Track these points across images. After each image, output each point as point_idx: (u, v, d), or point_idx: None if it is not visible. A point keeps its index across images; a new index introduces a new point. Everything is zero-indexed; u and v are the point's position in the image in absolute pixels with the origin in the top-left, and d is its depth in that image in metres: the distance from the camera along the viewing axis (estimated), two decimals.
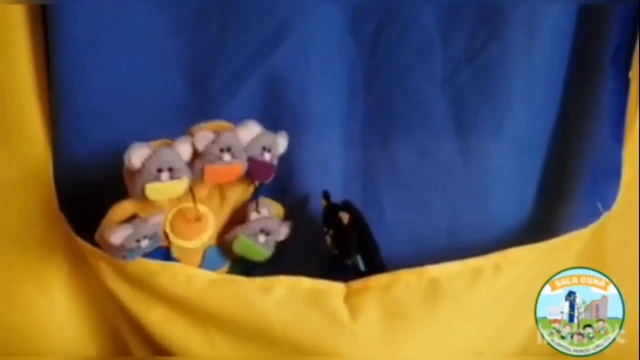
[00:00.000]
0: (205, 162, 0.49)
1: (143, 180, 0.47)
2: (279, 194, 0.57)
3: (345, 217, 0.51)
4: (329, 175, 0.59)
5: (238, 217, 0.55)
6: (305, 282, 0.50)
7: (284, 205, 0.57)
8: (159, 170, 0.47)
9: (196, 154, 0.49)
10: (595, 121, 0.56)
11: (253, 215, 0.53)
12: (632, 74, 0.54)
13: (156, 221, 0.48)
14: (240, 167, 0.50)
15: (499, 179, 0.58)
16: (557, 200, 0.58)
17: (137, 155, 0.46)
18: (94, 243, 0.50)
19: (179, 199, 0.52)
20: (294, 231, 0.56)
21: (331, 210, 0.53)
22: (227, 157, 0.49)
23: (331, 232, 0.53)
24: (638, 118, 0.54)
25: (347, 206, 0.52)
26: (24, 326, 0.57)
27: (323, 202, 0.54)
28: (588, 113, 0.57)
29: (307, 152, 0.58)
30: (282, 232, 0.55)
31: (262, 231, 0.53)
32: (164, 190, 0.47)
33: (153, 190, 0.47)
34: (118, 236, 0.46)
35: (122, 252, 0.47)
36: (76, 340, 0.58)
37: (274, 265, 0.55)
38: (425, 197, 0.58)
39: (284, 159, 0.58)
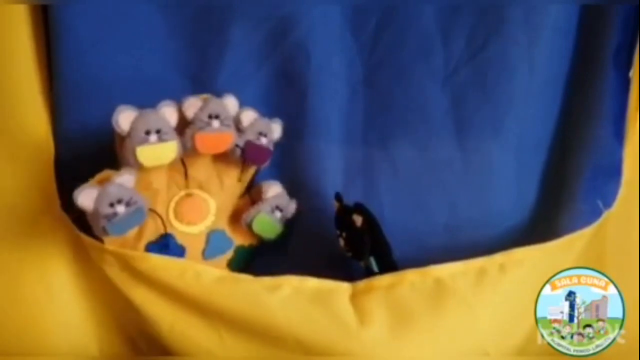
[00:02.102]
0: (195, 130, 0.49)
1: (132, 143, 0.47)
2: None
3: (358, 219, 0.51)
4: (330, 173, 0.59)
5: (242, 203, 0.56)
6: (311, 282, 0.50)
7: None
8: (147, 133, 0.47)
9: (185, 124, 0.50)
10: (595, 120, 0.56)
11: (269, 192, 0.55)
12: (633, 73, 0.54)
13: (124, 180, 0.47)
14: (230, 136, 0.51)
15: (498, 177, 0.58)
16: (558, 199, 0.58)
17: (124, 118, 0.47)
18: (99, 239, 0.51)
19: (178, 185, 0.53)
20: (296, 229, 0.57)
21: (344, 212, 0.53)
22: (216, 123, 0.50)
23: (344, 234, 0.53)
24: (638, 117, 0.55)
25: (360, 208, 0.52)
26: (28, 324, 0.56)
27: (335, 204, 0.54)
28: (589, 112, 0.57)
29: (307, 150, 0.59)
30: (291, 208, 0.57)
31: (277, 207, 0.55)
32: (155, 153, 0.48)
33: (144, 152, 0.47)
34: (84, 197, 0.46)
35: (100, 221, 0.46)
36: (81, 338, 0.58)
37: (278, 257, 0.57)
38: (425, 194, 0.59)
39: (284, 156, 0.58)
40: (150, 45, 0.57)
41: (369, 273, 0.52)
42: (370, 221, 0.51)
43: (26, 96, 0.56)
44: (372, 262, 0.52)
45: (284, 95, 0.58)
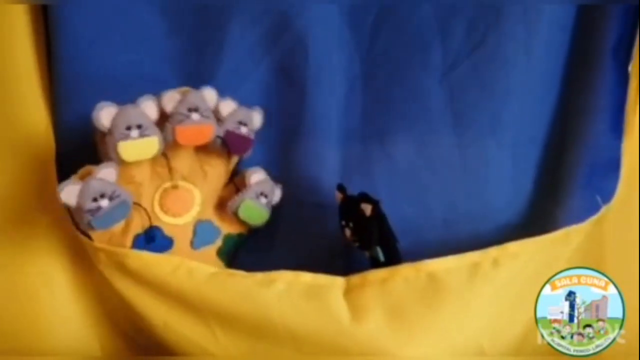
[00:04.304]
0: (174, 123, 0.49)
1: (114, 139, 0.47)
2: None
3: (367, 208, 0.51)
4: (328, 168, 0.59)
5: (226, 191, 0.57)
6: (305, 277, 0.50)
7: (283, 197, 0.58)
8: (128, 128, 0.47)
9: (165, 117, 0.50)
10: (594, 114, 0.56)
11: (253, 179, 0.55)
12: (632, 68, 0.54)
13: (105, 174, 0.47)
14: (210, 127, 0.51)
15: (496, 172, 0.58)
16: (555, 193, 0.58)
17: (104, 114, 0.47)
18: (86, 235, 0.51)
19: (161, 177, 0.53)
20: (292, 224, 0.57)
21: (350, 202, 0.53)
22: (195, 116, 0.50)
23: (351, 224, 0.53)
24: (637, 111, 0.54)
25: (367, 198, 0.52)
26: (27, 319, 0.57)
27: (338, 196, 0.54)
28: (587, 106, 0.56)
29: (306, 145, 0.58)
30: (276, 194, 0.57)
31: (262, 194, 0.55)
32: (137, 148, 0.48)
33: (126, 148, 0.47)
34: (67, 193, 0.46)
35: (85, 216, 0.46)
36: (79, 334, 0.58)
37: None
38: (423, 189, 0.58)
39: (283, 151, 0.58)
40: (149, 42, 0.57)
41: (374, 263, 0.52)
42: (379, 210, 0.51)
43: (26, 94, 0.56)
44: (379, 251, 0.52)
45: (283, 91, 0.58)
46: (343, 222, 0.53)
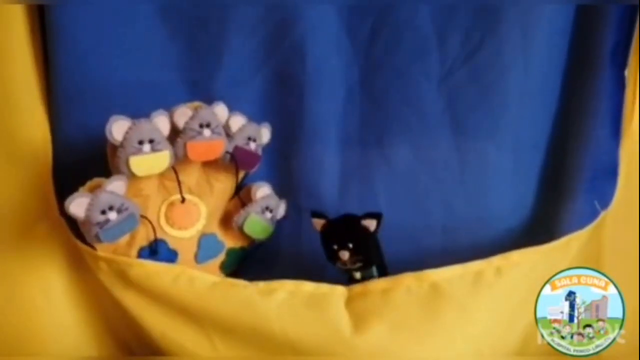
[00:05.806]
0: (186, 139, 0.50)
1: (126, 153, 0.47)
2: (276, 194, 0.57)
3: (372, 223, 0.50)
4: (327, 174, 0.59)
5: (231, 205, 0.56)
6: (306, 286, 0.50)
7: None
8: (140, 142, 0.47)
9: (176, 132, 0.50)
10: (592, 119, 0.56)
11: (258, 194, 0.55)
12: (629, 72, 0.54)
13: (114, 187, 0.47)
14: (221, 143, 0.51)
15: (495, 178, 0.58)
16: (554, 199, 0.58)
17: (117, 128, 0.47)
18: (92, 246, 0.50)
19: (168, 190, 0.53)
20: (293, 231, 0.58)
21: (344, 223, 0.51)
22: (207, 132, 0.50)
23: (351, 245, 0.50)
24: (635, 116, 0.54)
25: (369, 214, 0.50)
26: (25, 328, 0.56)
27: (319, 223, 0.51)
28: (585, 111, 0.57)
29: (304, 152, 0.58)
30: (281, 209, 0.57)
31: (267, 208, 0.55)
32: (148, 163, 0.48)
33: (137, 163, 0.47)
34: (76, 205, 0.46)
35: (93, 228, 0.46)
36: (77, 342, 0.58)
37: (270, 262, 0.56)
38: (422, 195, 0.58)
39: (282, 158, 0.58)
40: (149, 50, 0.57)
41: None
42: (380, 224, 0.50)
43: (24, 101, 0.56)
44: (374, 269, 0.52)
45: (282, 97, 0.58)
46: (335, 247, 0.50)
